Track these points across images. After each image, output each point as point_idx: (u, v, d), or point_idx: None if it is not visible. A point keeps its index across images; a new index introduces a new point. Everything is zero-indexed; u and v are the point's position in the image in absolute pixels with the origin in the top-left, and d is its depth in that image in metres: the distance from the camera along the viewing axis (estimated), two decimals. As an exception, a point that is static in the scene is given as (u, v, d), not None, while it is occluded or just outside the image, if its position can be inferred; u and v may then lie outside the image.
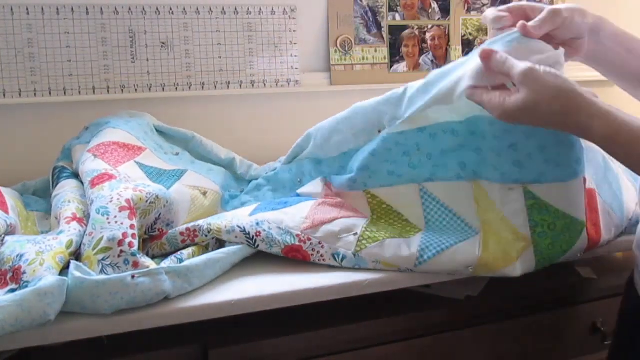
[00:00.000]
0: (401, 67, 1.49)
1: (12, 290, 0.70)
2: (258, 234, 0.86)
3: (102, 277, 0.72)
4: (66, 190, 0.93)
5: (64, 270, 0.75)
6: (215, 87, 1.36)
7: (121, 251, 0.76)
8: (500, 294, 0.95)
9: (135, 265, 0.76)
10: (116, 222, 0.79)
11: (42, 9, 1.22)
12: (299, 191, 1.02)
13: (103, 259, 0.75)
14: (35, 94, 1.24)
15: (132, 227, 0.79)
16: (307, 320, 0.85)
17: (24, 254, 0.73)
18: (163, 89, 1.32)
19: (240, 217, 0.89)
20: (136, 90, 1.30)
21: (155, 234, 0.90)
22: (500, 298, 0.95)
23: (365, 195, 0.93)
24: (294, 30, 1.40)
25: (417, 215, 0.91)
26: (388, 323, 0.89)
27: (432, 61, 1.51)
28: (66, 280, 0.70)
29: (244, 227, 0.86)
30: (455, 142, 0.88)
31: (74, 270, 0.71)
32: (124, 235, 0.78)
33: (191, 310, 0.75)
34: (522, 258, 0.84)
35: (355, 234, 0.88)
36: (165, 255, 0.85)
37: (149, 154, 1.04)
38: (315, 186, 1.00)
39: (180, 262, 0.81)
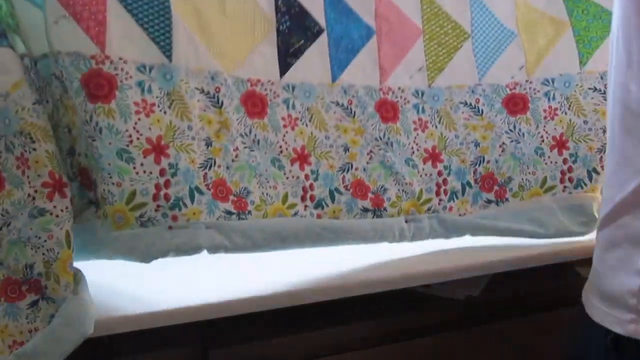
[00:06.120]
0: (401, 67, 1.49)
1: (35, 302, 0.68)
2: None
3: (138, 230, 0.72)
4: None
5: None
6: (215, 87, 1.36)
7: (158, 206, 0.73)
8: (500, 294, 0.95)
9: (174, 219, 0.74)
10: (144, 171, 0.71)
11: (42, 9, 1.22)
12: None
13: (140, 216, 0.72)
14: (35, 94, 1.23)
15: (162, 172, 0.73)
16: (307, 320, 0.85)
17: (33, 265, 0.68)
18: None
19: None
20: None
21: None
22: (500, 298, 0.95)
23: None
24: (294, 31, 1.40)
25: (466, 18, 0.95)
26: (388, 323, 0.89)
27: (431, 61, 1.51)
28: (87, 300, 0.69)
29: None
30: None
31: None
32: (157, 187, 0.72)
33: (191, 310, 0.75)
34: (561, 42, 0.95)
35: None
36: None
37: None
38: None
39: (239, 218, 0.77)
